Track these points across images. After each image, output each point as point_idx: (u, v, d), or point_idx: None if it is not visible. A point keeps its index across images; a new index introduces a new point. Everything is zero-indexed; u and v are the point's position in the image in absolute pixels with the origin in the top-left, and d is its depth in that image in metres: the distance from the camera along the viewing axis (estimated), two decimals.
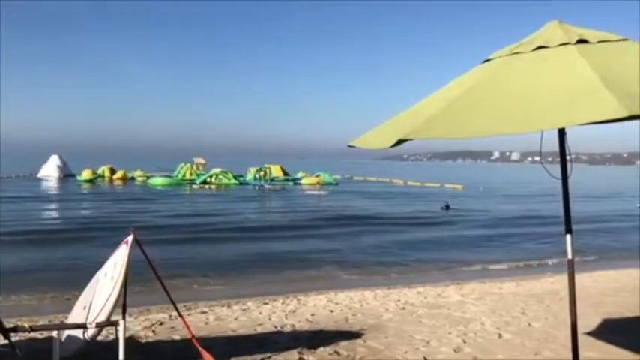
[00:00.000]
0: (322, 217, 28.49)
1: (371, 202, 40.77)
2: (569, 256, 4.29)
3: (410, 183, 70.30)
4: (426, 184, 66.94)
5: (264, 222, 26.03)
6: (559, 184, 4.20)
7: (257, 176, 59.83)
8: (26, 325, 5.16)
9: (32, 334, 6.25)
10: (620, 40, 3.62)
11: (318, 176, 66.68)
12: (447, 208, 34.84)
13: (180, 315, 6.08)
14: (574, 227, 4.24)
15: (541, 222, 28.69)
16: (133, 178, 62.17)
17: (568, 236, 4.27)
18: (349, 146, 3.87)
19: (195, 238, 20.50)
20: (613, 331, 7.92)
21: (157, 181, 58.34)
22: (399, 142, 3.37)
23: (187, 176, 60.85)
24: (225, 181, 59.17)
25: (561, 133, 4.17)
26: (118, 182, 59.54)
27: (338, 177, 75.62)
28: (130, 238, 5.17)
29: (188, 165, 63.53)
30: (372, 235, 22.98)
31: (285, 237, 21.33)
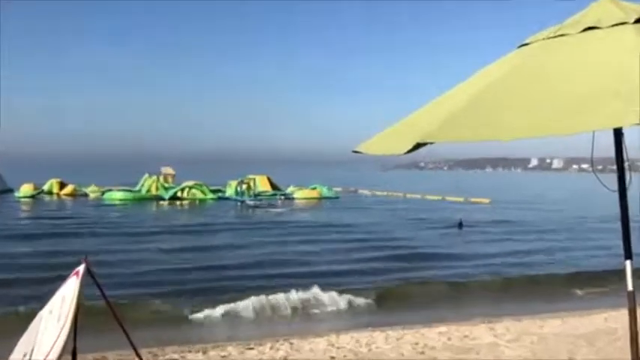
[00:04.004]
0: (319, 241, 28.39)
1: (378, 220, 40.50)
2: (630, 287, 4.25)
3: (428, 197, 69.54)
4: (447, 198, 66.41)
5: (245, 250, 25.74)
6: (614, 197, 4.17)
7: (238, 190, 59.45)
8: None
9: None
10: None
11: (314, 189, 66.31)
12: (460, 226, 35.23)
13: None
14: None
15: (589, 244, 28.64)
16: (85, 194, 61.53)
17: (628, 263, 4.22)
18: (354, 152, 3.82)
19: (161, 270, 20.32)
20: None
21: (116, 195, 57.75)
22: (416, 146, 3.31)
23: (153, 190, 59.82)
24: (199, 195, 58.96)
25: (618, 134, 4.12)
26: (67, 198, 59.11)
27: (339, 189, 75.01)
28: (81, 269, 5.13)
29: (154, 177, 62.20)
30: (381, 262, 22.90)
31: (276, 267, 21.19)
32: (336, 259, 23.68)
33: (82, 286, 5.10)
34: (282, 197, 62.31)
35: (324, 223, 37.77)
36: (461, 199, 64.56)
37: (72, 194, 61.40)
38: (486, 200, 63.06)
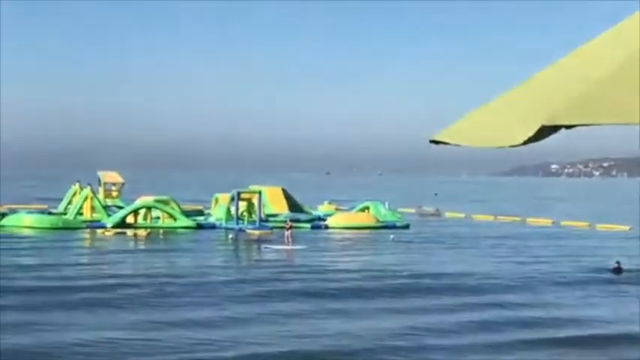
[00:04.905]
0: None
1: (490, 269, 26.87)
2: None
3: (566, 223, 49.47)
4: (600, 227, 46.65)
5: None
6: None
7: (232, 210, 40.87)
8: None
9: None
10: None
11: (364, 210, 47.15)
12: (618, 271, 25.23)
13: None
14: None
15: None
16: None
17: None
18: (433, 142, 3.02)
19: None
20: None
21: (24, 220, 40.46)
22: (540, 134, 2.56)
23: (86, 212, 41.86)
24: (166, 221, 41.17)
25: None
26: None
27: (409, 211, 56.71)
28: None
29: (87, 189, 43.08)
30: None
31: None
32: None
33: None
34: (296, 222, 41.40)
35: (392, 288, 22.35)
36: (626, 228, 45.48)
37: None
38: None
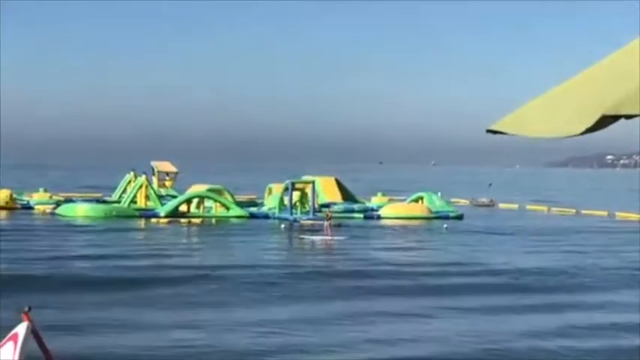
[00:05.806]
0: None
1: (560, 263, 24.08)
2: None
3: (620, 215, 47.69)
4: None
5: None
6: None
7: (285, 200, 40.54)
8: None
9: None
10: None
11: (417, 200, 46.37)
12: None
13: None
14: None
15: None
16: (28, 207, 42.93)
17: None
18: (490, 132, 3.02)
19: None
20: None
21: (78, 209, 40.65)
22: (598, 124, 2.53)
23: (140, 201, 42.23)
24: (219, 210, 41.11)
25: None
26: None
27: (463, 202, 56.67)
28: (21, 329, 3.64)
29: (142, 178, 43.48)
30: None
31: None
32: None
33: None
34: (350, 212, 41.97)
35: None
36: None
37: (5, 205, 41.64)
38: None
